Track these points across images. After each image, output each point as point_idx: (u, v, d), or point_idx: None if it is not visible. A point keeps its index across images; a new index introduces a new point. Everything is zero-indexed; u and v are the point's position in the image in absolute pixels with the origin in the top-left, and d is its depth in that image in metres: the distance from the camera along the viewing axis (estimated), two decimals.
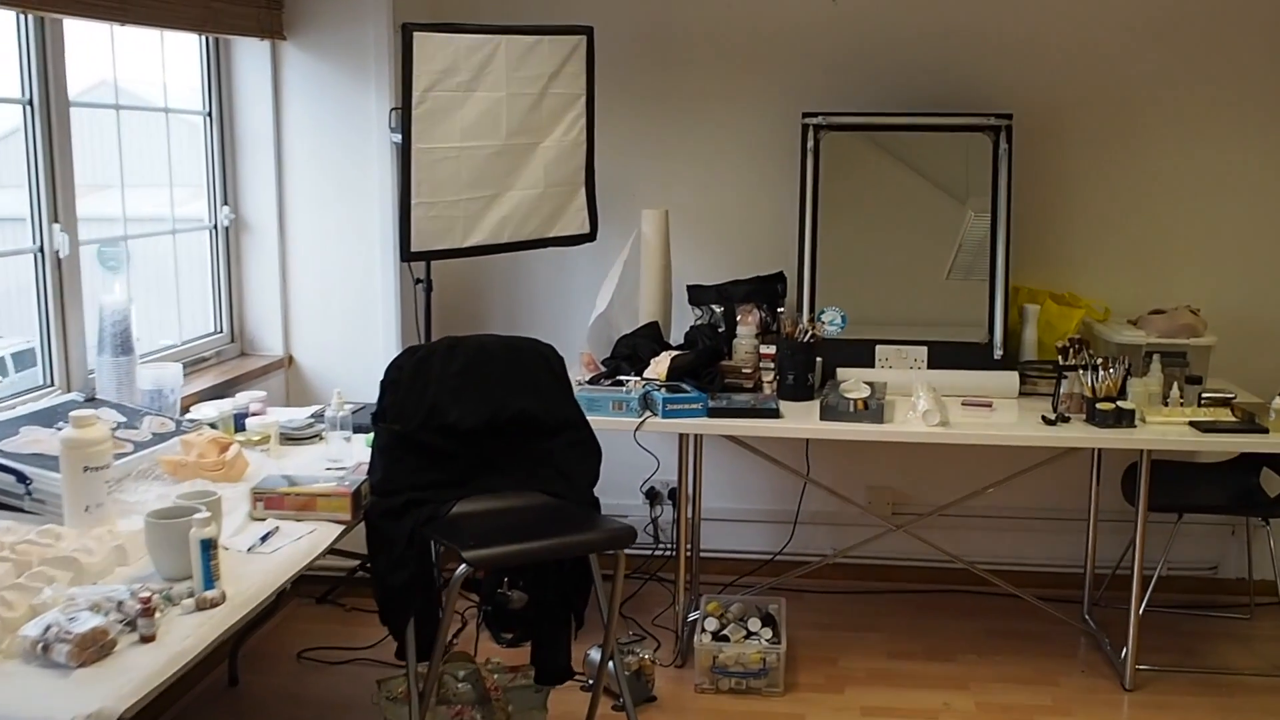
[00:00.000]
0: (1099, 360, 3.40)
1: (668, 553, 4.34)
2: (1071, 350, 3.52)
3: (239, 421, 3.15)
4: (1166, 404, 3.46)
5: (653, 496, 4.34)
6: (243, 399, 3.24)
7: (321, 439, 3.11)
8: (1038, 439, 3.27)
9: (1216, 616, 4.12)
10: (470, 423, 2.81)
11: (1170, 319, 3.69)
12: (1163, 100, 4.03)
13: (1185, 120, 4.03)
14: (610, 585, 2.82)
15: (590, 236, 3.83)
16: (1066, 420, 3.36)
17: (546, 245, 3.73)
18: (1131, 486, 3.78)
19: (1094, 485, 3.98)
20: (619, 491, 4.20)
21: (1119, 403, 3.30)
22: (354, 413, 3.17)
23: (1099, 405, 3.30)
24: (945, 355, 3.75)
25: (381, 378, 2.79)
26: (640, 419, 3.31)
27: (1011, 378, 3.66)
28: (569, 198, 3.74)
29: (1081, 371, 3.39)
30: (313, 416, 3.27)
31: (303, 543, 2.44)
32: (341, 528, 2.54)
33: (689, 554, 3.87)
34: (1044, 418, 3.35)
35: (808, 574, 4.03)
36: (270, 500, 2.54)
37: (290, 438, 3.11)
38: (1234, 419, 3.35)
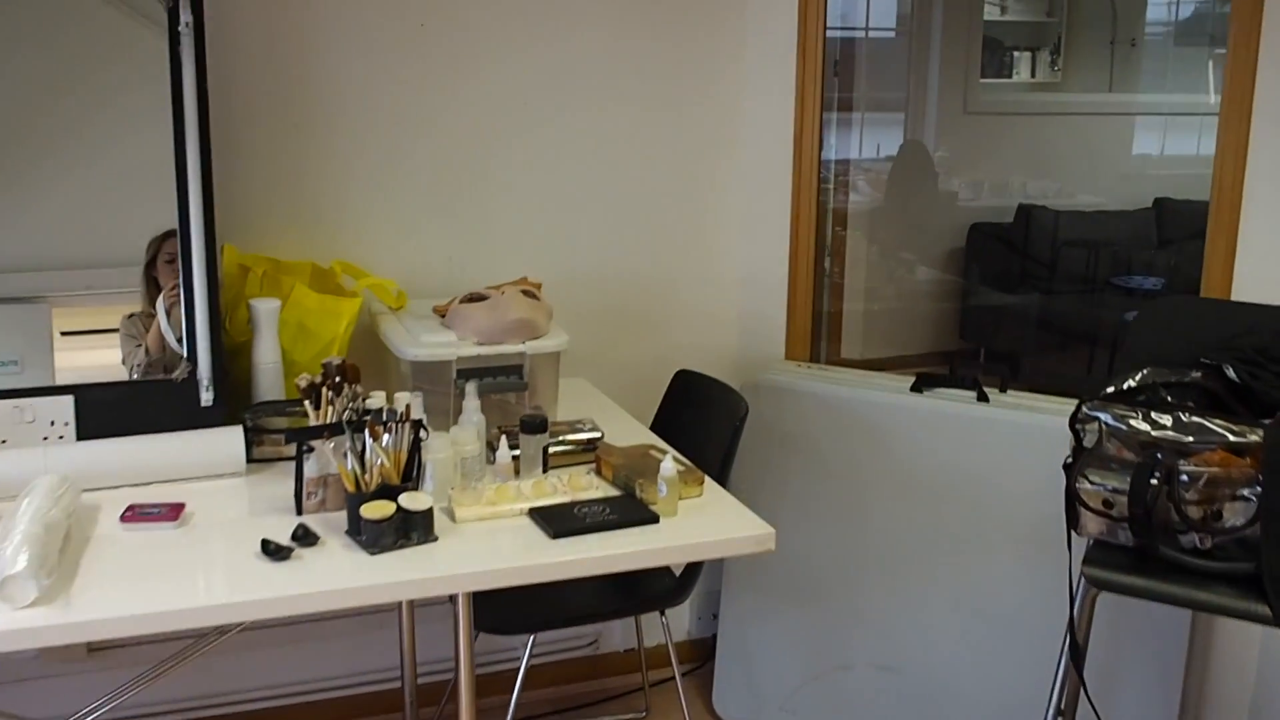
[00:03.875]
0: (372, 406, 1.84)
1: None
2: (326, 389, 1.92)
3: None
4: (494, 464, 1.98)
5: None
6: None
7: None
8: (237, 607, 1.59)
9: None
10: None
11: (493, 310, 2.19)
12: None
13: None
14: None
15: None
16: (312, 541, 1.75)
17: None
18: None
19: None
20: None
21: (404, 498, 1.75)
22: None
23: (365, 512, 1.72)
24: (109, 408, 2.00)
25: None
26: None
27: (231, 441, 1.99)
28: None
29: (334, 439, 1.80)
30: None
31: None
32: None
33: None
34: (266, 546, 1.70)
35: None
36: None
37: None
38: (607, 490, 1.95)
